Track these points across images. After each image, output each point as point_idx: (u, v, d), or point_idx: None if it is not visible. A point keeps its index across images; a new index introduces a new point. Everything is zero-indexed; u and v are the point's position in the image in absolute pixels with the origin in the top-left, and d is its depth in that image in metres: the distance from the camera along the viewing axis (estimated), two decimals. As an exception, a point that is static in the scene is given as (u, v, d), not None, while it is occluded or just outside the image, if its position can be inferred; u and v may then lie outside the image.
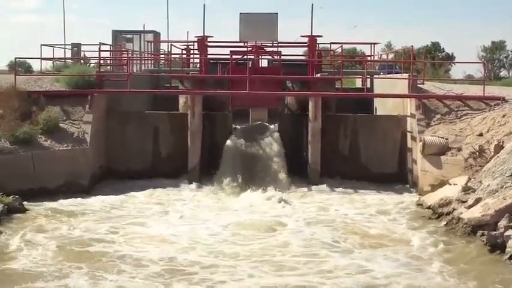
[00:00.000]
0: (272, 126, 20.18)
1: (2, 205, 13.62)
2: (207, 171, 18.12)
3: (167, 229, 12.88)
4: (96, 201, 15.45)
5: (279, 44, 22.58)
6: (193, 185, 17.48)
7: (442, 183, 15.51)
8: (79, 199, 15.56)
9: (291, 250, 11.47)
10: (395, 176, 18.01)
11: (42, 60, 20.83)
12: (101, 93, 18.34)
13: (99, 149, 18.10)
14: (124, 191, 16.68)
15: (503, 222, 11.60)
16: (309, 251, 11.41)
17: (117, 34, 25.89)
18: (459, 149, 16.34)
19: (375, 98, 22.10)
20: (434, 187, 15.71)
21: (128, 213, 14.36)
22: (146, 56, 25.86)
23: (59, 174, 16.30)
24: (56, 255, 10.91)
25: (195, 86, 19.09)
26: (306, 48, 24.09)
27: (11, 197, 14.21)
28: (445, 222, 13.14)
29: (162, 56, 26.13)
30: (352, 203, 15.64)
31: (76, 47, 24.14)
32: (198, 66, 22.90)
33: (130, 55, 22.63)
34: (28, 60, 31.32)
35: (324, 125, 18.16)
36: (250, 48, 21.60)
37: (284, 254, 11.22)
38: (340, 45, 23.07)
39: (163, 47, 27.66)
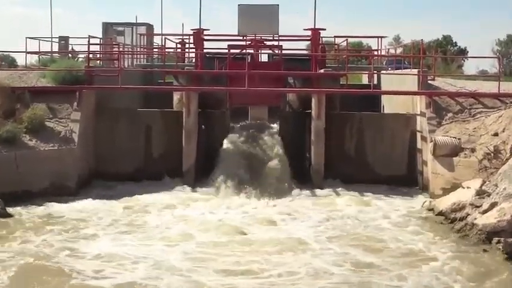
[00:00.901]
0: (272, 125, 20.14)
1: (-18, 210, 13.46)
2: (202, 173, 18.04)
3: (117, 247, 11.88)
4: (79, 206, 15.22)
5: (280, 38, 22.43)
6: (188, 188, 17.36)
7: (455, 187, 15.38)
8: (63, 205, 15.28)
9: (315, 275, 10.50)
10: (405, 179, 17.92)
11: (28, 54, 20.69)
12: (89, 90, 18.24)
13: (88, 149, 17.98)
14: (112, 195, 16.52)
15: (521, 229, 11.46)
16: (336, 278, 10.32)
17: (107, 26, 25.76)
18: (473, 150, 16.20)
19: (382, 95, 22.01)
20: (446, 191, 15.59)
21: (99, 224, 13.74)
22: (138, 50, 25.77)
23: (45, 176, 16.15)
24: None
25: (191, 82, 19.02)
26: (308, 42, 23.97)
27: (-8, 200, 14.04)
28: (458, 229, 13.00)
29: (156, 50, 26.02)
30: (359, 209, 15.44)
31: (64, 40, 24.02)
32: (193, 61, 22.76)
33: (121, 49, 22.46)
34: (12, 54, 31.25)
35: (327, 124, 18.09)
36: (250, 42, 21.49)
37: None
38: (345, 38, 23.02)
39: (157, 40, 27.60)
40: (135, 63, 24.63)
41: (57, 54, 22.24)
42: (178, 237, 12.69)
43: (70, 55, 22.48)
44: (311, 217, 14.54)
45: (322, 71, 20.35)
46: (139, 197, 16.33)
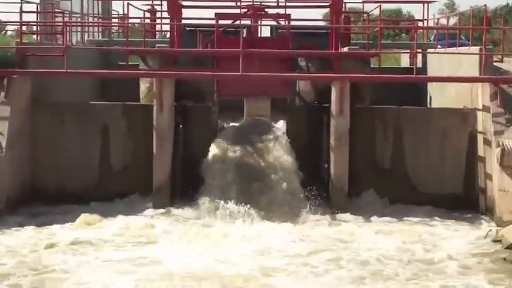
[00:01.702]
0: (277, 125, 20.19)
1: None
2: (181, 191, 18.15)
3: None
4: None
5: (288, 4, 22.51)
6: (159, 212, 17.43)
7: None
8: None
9: None
10: (460, 199, 18.04)
11: None
12: (23, 75, 18.24)
13: (21, 158, 18.01)
14: (47, 222, 16.47)
15: None
16: None
17: (48, -12, 25.73)
18: (555, 159, 16.22)
19: (429, 83, 21.91)
20: (518, 215, 15.75)
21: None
22: (91, 20, 25.77)
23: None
24: None
25: (164, 64, 19.06)
26: (327, 10, 24.00)
27: None
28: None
29: (115, 21, 25.98)
30: (400, 244, 15.25)
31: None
32: (167, 36, 22.77)
33: (67, 19, 22.45)
34: None
35: (353, 122, 18.16)
36: (245, 10, 21.53)
37: None
38: (378, 5, 22.95)
39: (117, 8, 27.61)
40: (86, 38, 24.67)
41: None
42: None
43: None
44: (331, 259, 14.16)
45: (345, 49, 20.37)
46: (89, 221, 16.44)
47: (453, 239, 15.65)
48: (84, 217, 16.68)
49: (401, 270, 13.59)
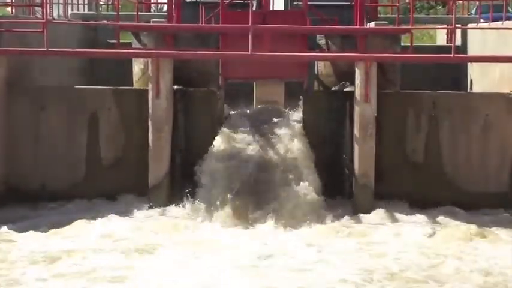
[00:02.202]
0: (292, 112, 20.53)
1: None
2: (180, 189, 18.41)
3: None
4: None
5: (304, -29, 22.58)
6: (156, 212, 17.87)
7: None
8: None
9: None
10: (506, 199, 18.38)
11: None
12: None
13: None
14: (17, 228, 16.79)
15: None
16: None
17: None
18: None
19: (469, 64, 22.12)
20: None
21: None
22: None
23: None
24: None
25: (161, 43, 19.29)
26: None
27: None
28: None
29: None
30: (434, 252, 15.52)
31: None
32: (165, 9, 22.92)
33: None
34: None
35: (380, 110, 18.38)
36: (255, -22, 21.77)
37: None
38: (410, -28, 23.06)
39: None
40: (69, 12, 24.98)
41: None
42: None
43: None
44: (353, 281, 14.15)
45: (372, 24, 20.69)
46: (55, 233, 16.61)
47: (500, 248, 15.85)
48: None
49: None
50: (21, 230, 16.67)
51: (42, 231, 16.61)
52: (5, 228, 16.89)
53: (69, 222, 17.09)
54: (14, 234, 16.47)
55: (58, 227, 16.84)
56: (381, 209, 18.09)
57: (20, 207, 18.32)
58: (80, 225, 17.00)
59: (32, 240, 16.05)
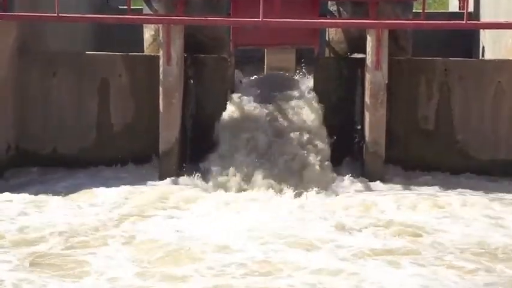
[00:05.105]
0: (303, 80, 20.23)
1: None
2: (191, 157, 18.35)
3: None
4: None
5: None
6: (165, 182, 17.65)
7: None
8: None
9: None
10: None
11: None
12: (6, 20, 18.26)
13: (6, 117, 18.23)
14: (36, 190, 16.73)
15: None
16: None
17: None
18: None
19: (481, 31, 21.82)
20: None
21: None
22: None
23: None
24: None
25: (171, 9, 19.06)
26: None
27: None
28: None
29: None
30: (445, 220, 15.31)
31: None
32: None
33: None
34: None
35: (392, 77, 18.17)
36: None
37: None
38: None
39: None
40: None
41: None
42: None
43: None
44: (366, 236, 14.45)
45: (383, -9, 20.36)
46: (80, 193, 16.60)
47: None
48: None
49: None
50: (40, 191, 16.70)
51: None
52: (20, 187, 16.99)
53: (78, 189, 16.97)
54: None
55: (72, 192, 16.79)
56: (390, 177, 18.01)
57: (32, 172, 18.42)
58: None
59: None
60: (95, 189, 16.96)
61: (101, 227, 14.56)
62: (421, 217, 15.40)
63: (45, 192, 16.66)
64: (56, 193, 16.58)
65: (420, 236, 14.25)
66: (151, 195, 16.64)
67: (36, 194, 16.49)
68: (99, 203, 16.18)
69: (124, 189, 16.95)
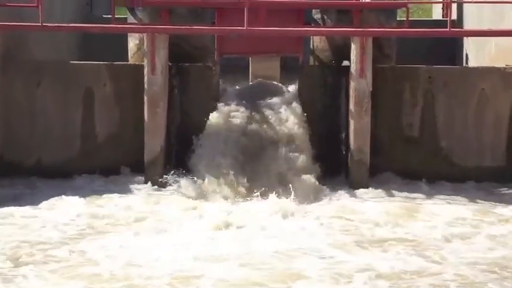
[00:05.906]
0: (288, 88, 20.11)
1: None
2: (176, 165, 18.30)
3: None
4: None
5: None
6: (150, 189, 17.71)
7: None
8: None
9: None
10: (503, 173, 18.26)
11: None
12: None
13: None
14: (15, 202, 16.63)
15: None
16: None
17: None
18: None
19: (465, 39, 21.85)
20: None
21: None
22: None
23: None
24: None
25: (156, 18, 19.01)
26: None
27: None
28: None
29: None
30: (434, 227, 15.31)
31: None
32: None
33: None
34: None
35: (376, 85, 18.17)
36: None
37: None
38: None
39: None
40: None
41: None
42: None
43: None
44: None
45: (367, -1, 20.37)
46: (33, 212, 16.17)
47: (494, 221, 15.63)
48: None
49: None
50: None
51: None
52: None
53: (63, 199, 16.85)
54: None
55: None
56: (376, 185, 17.92)
57: (14, 182, 18.27)
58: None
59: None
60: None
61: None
62: (406, 224, 15.47)
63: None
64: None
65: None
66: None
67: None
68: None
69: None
